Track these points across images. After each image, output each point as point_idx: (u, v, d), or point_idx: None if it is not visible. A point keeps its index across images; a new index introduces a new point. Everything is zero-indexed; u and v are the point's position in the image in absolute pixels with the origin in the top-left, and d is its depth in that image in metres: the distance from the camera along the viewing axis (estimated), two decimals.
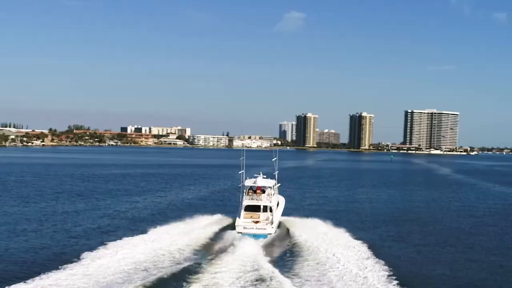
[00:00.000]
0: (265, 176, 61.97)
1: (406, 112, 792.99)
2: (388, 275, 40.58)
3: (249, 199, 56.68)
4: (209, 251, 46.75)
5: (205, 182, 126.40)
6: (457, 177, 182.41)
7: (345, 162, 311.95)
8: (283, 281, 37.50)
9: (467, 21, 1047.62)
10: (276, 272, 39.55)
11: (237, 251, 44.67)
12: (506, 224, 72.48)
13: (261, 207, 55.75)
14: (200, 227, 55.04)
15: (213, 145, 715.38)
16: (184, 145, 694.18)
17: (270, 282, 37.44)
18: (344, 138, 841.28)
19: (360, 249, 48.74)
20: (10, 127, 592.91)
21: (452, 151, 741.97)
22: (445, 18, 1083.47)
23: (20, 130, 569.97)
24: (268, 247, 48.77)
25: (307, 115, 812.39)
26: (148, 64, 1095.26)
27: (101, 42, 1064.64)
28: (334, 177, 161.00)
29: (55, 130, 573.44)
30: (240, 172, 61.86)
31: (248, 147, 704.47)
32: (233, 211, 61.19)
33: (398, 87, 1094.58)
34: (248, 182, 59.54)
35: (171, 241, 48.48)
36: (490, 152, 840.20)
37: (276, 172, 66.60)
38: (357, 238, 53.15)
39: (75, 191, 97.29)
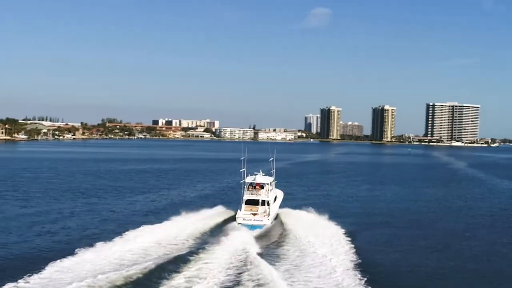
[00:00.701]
0: (263, 174, 67.01)
1: (428, 105, 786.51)
2: (354, 265, 43.48)
3: (249, 194, 61.71)
4: (208, 240, 49.98)
5: (214, 178, 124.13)
6: (470, 171, 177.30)
7: (362, 155, 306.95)
8: (263, 267, 40.34)
9: (489, 14, 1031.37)
10: (258, 258, 42.70)
11: (231, 240, 48.12)
12: (503, 226, 68.37)
13: (260, 201, 60.70)
14: (205, 219, 59.78)
15: (238, 137, 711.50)
16: (210, 137, 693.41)
17: (252, 268, 40.22)
18: (367, 130, 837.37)
19: (341, 241, 52.41)
20: (46, 120, 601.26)
21: (473, 143, 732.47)
22: (467, 11, 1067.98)
23: (55, 123, 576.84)
24: (262, 236, 53.91)
25: (331, 108, 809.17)
26: (181, 59, 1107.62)
27: (136, 38, 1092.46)
28: (345, 172, 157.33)
29: (86, 124, 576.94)
30: (241, 170, 65.36)
31: (272, 140, 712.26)
32: (236, 205, 64.34)
33: (420, 80, 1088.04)
34: (249, 179, 64.38)
35: (177, 230, 52.79)
36: None
37: (273, 170, 70.55)
38: (345, 232, 56.50)
39: (82, 188, 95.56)
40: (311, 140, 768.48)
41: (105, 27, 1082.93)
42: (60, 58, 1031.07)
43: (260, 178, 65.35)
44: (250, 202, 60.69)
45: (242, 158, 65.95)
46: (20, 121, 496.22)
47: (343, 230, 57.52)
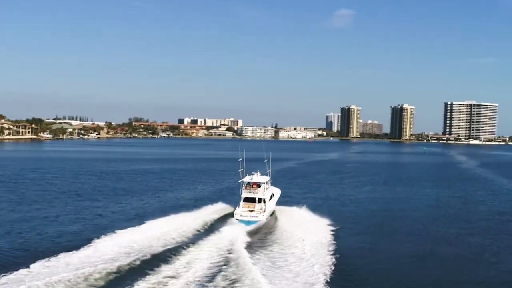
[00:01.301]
0: (260, 174, 69.48)
1: (446, 104, 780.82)
2: (331, 262, 45.38)
3: (247, 192, 64.71)
4: (204, 233, 54.22)
5: (219, 177, 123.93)
6: (479, 171, 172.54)
7: (376, 154, 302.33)
8: (245, 259, 43.48)
9: (508, 13, 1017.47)
10: (243, 251, 46.02)
11: (224, 233, 52.60)
12: (495, 233, 64.15)
13: (256, 199, 63.75)
14: (206, 215, 63.09)
15: (260, 136, 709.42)
16: (232, 136, 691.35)
17: (235, 259, 43.68)
18: (387, 129, 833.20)
19: (327, 238, 54.93)
20: (76, 120, 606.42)
21: (491, 141, 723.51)
22: (486, 11, 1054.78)
23: (83, 123, 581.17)
24: (255, 231, 57.32)
25: (351, 107, 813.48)
26: (208, 59, 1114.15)
27: (166, 39, 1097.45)
28: (351, 173, 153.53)
29: (110, 123, 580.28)
30: (239, 170, 68.57)
31: (293, 138, 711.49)
32: (235, 202, 66.74)
33: (439, 79, 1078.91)
34: (247, 179, 67.21)
35: (177, 225, 56.31)
36: None
37: (269, 170, 73.08)
38: (333, 230, 59.26)
39: (84, 188, 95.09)
40: (331, 138, 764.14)
41: (138, 28, 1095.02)
42: (90, 59, 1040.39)
43: (256, 177, 67.95)
44: (248, 200, 63.64)
45: (240, 159, 69.15)
46: (47, 121, 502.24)
47: (331, 228, 60.11)
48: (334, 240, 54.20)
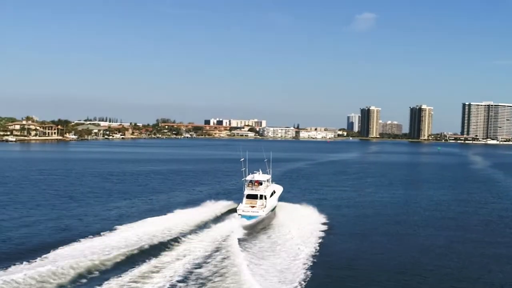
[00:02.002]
0: (261, 173, 72.44)
1: (464, 105, 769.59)
2: (316, 255, 48.02)
3: (249, 189, 67.64)
4: (206, 226, 57.47)
5: (225, 177, 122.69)
6: (490, 172, 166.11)
7: (390, 154, 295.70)
8: (235, 250, 46.58)
9: None
10: (235, 242, 49.37)
11: (224, 226, 56.70)
12: (490, 241, 59.19)
13: (258, 195, 66.39)
14: (211, 210, 66.16)
15: (281, 136, 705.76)
16: (254, 136, 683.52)
17: (226, 250, 46.80)
18: (406, 129, 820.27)
19: (317, 234, 57.45)
20: (105, 121, 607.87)
21: (508, 141, 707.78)
22: (503, 12, 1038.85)
23: (111, 124, 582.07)
24: (255, 225, 60.04)
25: (371, 108, 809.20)
26: (234, 62, 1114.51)
27: (193, 44, 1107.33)
28: (358, 174, 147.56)
29: (135, 124, 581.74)
30: (242, 170, 71.20)
31: (313, 138, 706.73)
32: (239, 199, 68.88)
33: (457, 80, 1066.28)
34: (249, 177, 70.00)
35: (183, 219, 59.86)
36: None
37: (269, 169, 75.93)
38: (325, 228, 61.11)
39: (95, 187, 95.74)
40: (351, 138, 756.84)
41: (165, 31, 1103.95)
42: (121, 61, 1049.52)
43: (258, 176, 71.03)
44: (250, 197, 66.38)
45: (242, 159, 72.44)
46: (77, 122, 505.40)
47: (323, 226, 62.31)
48: (322, 236, 56.50)
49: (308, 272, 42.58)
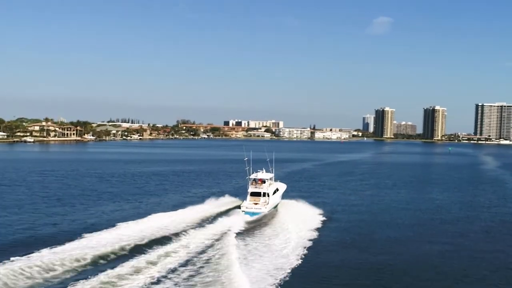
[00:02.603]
0: (264, 172, 73.78)
1: (477, 105, 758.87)
2: (305, 250, 49.11)
3: (253, 187, 68.86)
4: (211, 221, 59.20)
5: (230, 177, 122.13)
6: (499, 173, 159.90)
7: (402, 155, 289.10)
8: (231, 243, 48.29)
9: None
10: (232, 236, 51.26)
11: (226, 221, 58.23)
12: (488, 250, 53.69)
13: (261, 193, 67.67)
14: (217, 206, 68.51)
15: (296, 137, 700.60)
16: (270, 137, 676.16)
17: (224, 242, 48.65)
18: (420, 130, 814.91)
19: (312, 230, 58.08)
20: (128, 122, 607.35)
21: None
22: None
23: (132, 125, 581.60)
24: (256, 220, 61.41)
25: (385, 109, 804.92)
26: (255, 65, 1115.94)
27: (217, 50, 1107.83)
28: (364, 175, 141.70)
29: (154, 125, 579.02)
30: (246, 168, 72.88)
31: (328, 139, 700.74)
32: (244, 196, 69.97)
33: (470, 82, 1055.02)
34: (253, 176, 71.28)
35: (191, 214, 62.07)
36: None
37: (272, 168, 77.99)
38: (322, 225, 62.27)
39: (102, 190, 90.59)
40: (365, 139, 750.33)
41: (182, 36, 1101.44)
42: (141, 64, 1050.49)
43: (261, 174, 72.11)
44: (254, 194, 67.75)
45: (246, 159, 73.73)
46: (97, 123, 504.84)
47: (320, 223, 62.89)
48: (317, 233, 57.06)
49: (295, 270, 42.85)
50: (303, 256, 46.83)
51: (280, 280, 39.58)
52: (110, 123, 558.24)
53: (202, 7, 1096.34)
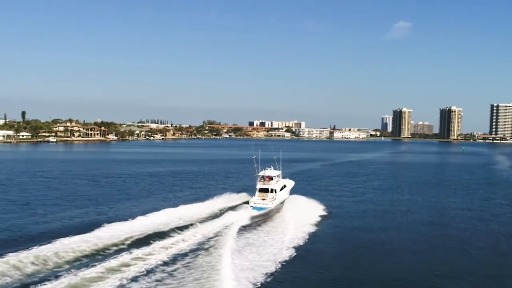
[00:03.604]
0: (272, 169, 73.74)
1: (492, 106, 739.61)
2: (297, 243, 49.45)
3: (261, 184, 69.11)
4: (218, 216, 59.95)
5: (242, 175, 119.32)
6: (511, 172, 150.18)
7: (415, 154, 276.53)
8: (230, 235, 49.93)
9: None
10: (234, 230, 52.31)
11: (232, 215, 59.39)
12: (486, 268, 45.01)
13: (269, 189, 67.89)
14: (227, 201, 68.92)
15: (315, 137, 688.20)
16: (291, 137, 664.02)
17: (224, 235, 50.06)
18: (437, 129, 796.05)
19: (309, 227, 57.98)
20: (157, 123, 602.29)
21: None
22: None
23: (159, 125, 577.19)
24: (262, 215, 61.80)
25: (402, 110, 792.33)
26: (280, 68, 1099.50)
27: (244, 56, 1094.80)
28: (368, 176, 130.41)
29: (180, 126, 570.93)
30: (254, 166, 72.61)
31: (346, 138, 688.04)
32: (253, 192, 69.73)
33: (486, 82, 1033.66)
34: (261, 173, 71.52)
35: (202, 208, 63.83)
36: None
37: (279, 166, 76.90)
38: (320, 220, 62.98)
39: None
40: (382, 138, 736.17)
41: (215, 41, 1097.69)
42: (177, 69, 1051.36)
43: (269, 172, 72.26)
44: (262, 190, 68.07)
45: (254, 157, 73.08)
46: (125, 124, 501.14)
47: (318, 219, 63.08)
48: (315, 228, 58.14)
49: (289, 258, 44.67)
50: (297, 247, 48.03)
51: (267, 270, 40.53)
52: (139, 124, 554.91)
53: (230, 13, 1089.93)
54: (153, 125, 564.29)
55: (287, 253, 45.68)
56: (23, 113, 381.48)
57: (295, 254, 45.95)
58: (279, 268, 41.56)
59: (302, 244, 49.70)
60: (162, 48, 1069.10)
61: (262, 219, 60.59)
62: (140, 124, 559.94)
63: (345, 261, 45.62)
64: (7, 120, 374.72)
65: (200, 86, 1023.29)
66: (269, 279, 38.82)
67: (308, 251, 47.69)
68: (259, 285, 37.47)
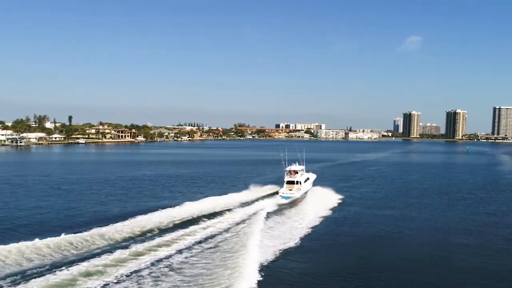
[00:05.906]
0: (297, 164, 76.77)
1: (494, 108, 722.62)
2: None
3: (288, 177, 71.91)
4: (252, 203, 63.05)
5: (271, 170, 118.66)
6: None
7: (420, 154, 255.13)
8: (259, 218, 52.51)
9: None
10: (262, 214, 54.49)
11: (263, 202, 63.27)
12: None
13: (295, 181, 70.85)
14: (261, 192, 72.19)
15: (332, 137, 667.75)
16: (309, 138, 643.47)
17: (255, 218, 52.46)
18: (443, 130, 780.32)
19: (326, 212, 61.31)
20: (193, 126, 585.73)
21: None
22: None
23: (193, 128, 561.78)
24: (289, 203, 64.66)
25: (412, 112, 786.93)
26: (308, 78, 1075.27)
27: (278, 64, 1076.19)
28: (368, 179, 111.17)
29: (209, 128, 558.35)
30: (282, 162, 77.25)
31: (360, 139, 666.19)
32: (281, 184, 71.97)
33: (488, 85, 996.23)
34: (288, 168, 74.31)
35: (239, 198, 66.64)
36: None
37: (303, 162, 79.67)
38: (336, 207, 65.07)
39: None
40: (393, 138, 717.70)
41: (246, 49, 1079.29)
42: (216, 76, 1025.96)
43: (295, 167, 74.91)
44: (289, 182, 70.73)
45: (281, 155, 79.66)
46: (164, 126, 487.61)
47: (335, 206, 66.05)
48: (331, 213, 60.84)
49: (302, 240, 45.96)
50: (313, 229, 50.56)
51: (287, 247, 42.68)
52: (177, 126, 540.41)
53: (263, 28, 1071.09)
54: (189, 128, 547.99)
55: (306, 231, 49.36)
56: (70, 118, 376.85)
57: (311, 232, 49.77)
58: (298, 241, 45.23)
59: (318, 224, 53.75)
60: (210, 59, 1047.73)
61: (288, 206, 63.69)
62: (177, 126, 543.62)
63: (351, 238, 48.19)
64: (56, 123, 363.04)
65: (231, 93, 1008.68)
66: (288, 249, 42.54)
67: (323, 231, 50.95)
68: (278, 253, 40.91)
